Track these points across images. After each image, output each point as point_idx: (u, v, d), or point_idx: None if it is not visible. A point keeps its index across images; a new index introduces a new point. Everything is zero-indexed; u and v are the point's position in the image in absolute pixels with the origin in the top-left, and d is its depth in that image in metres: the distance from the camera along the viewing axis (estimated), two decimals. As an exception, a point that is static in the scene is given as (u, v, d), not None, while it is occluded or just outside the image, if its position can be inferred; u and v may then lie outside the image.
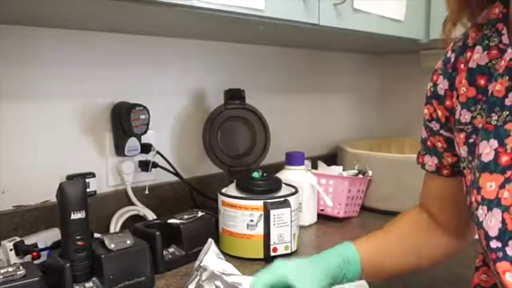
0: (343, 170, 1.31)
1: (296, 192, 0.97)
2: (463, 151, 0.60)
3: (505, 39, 0.56)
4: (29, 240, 0.84)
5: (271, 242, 0.90)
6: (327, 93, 1.70)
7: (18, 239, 0.83)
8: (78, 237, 0.72)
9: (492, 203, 0.52)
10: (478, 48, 0.58)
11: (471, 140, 0.59)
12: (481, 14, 0.59)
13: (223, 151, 1.16)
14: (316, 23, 0.99)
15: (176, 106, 1.22)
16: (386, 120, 1.90)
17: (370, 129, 1.87)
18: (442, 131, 0.66)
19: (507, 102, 0.53)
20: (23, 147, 0.95)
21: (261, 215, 0.90)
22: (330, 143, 1.67)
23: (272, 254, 0.90)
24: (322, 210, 1.20)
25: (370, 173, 1.27)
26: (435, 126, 0.67)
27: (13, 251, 0.81)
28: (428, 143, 0.69)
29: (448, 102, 0.64)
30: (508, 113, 0.53)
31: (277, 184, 0.97)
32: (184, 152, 1.24)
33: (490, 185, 0.52)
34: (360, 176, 1.27)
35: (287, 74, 1.52)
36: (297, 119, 1.57)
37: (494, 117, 0.54)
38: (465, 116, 0.59)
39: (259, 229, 0.90)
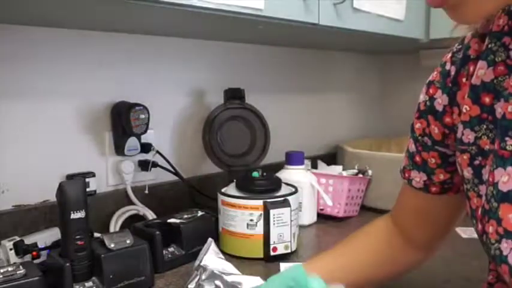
0: (343, 169, 1.31)
1: (296, 191, 0.97)
2: (466, 173, 0.56)
3: None
4: (28, 240, 0.84)
5: (271, 242, 0.90)
6: (327, 93, 1.70)
7: (18, 238, 0.83)
8: (78, 236, 0.72)
9: None
10: (482, 63, 0.54)
11: (476, 162, 0.55)
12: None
13: (223, 151, 1.16)
14: (316, 23, 0.99)
15: (176, 106, 1.22)
16: (386, 120, 1.90)
17: (370, 129, 1.87)
18: (437, 147, 0.62)
19: None
20: (23, 146, 0.95)
21: (261, 214, 0.90)
22: (330, 142, 1.67)
23: (272, 253, 0.90)
24: (322, 209, 1.20)
25: (370, 172, 1.27)
26: (428, 141, 0.63)
27: (13, 251, 0.81)
28: (417, 158, 0.65)
29: (447, 119, 0.59)
30: None
31: (277, 184, 0.97)
32: (184, 151, 1.24)
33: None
34: (360, 175, 1.27)
35: (287, 74, 1.52)
36: (297, 118, 1.57)
37: (510, 141, 0.49)
38: (468, 136, 0.55)
39: (259, 229, 0.90)
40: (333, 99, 1.73)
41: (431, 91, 0.61)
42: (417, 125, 0.64)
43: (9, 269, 0.66)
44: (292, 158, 1.16)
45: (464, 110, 0.55)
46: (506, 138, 0.50)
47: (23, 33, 0.92)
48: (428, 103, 0.61)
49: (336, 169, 1.31)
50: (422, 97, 0.63)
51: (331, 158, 1.52)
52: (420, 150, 0.64)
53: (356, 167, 1.30)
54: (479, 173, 0.54)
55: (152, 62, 1.15)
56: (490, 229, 0.51)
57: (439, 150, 0.62)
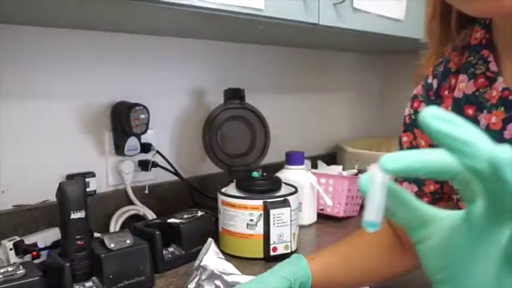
0: (343, 169, 1.31)
1: (296, 191, 0.97)
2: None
3: (493, 66, 0.52)
4: (28, 240, 0.84)
5: (271, 242, 0.90)
6: (327, 93, 1.70)
7: (18, 238, 0.83)
8: (78, 236, 0.72)
9: None
10: (463, 76, 0.55)
11: None
12: (459, 35, 0.56)
13: (223, 151, 1.16)
14: (316, 23, 0.99)
15: (176, 106, 1.22)
16: (386, 120, 1.90)
17: (370, 129, 1.87)
18: None
19: (506, 135, 0.50)
20: (23, 146, 0.95)
21: (261, 214, 0.90)
22: (330, 142, 1.67)
23: (272, 253, 0.90)
24: (322, 209, 1.20)
25: (370, 172, 1.27)
26: None
27: (13, 251, 0.81)
28: None
29: None
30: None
31: (277, 184, 0.97)
32: (184, 151, 1.24)
33: None
34: (360, 175, 1.27)
35: (287, 74, 1.52)
36: (297, 118, 1.57)
37: None
38: None
39: (259, 229, 0.90)
40: (333, 99, 1.73)
41: (415, 105, 0.63)
42: (404, 138, 0.65)
43: (9, 269, 0.66)
44: (292, 158, 1.16)
45: None
46: None
47: (23, 33, 0.92)
48: (413, 116, 0.63)
49: (336, 169, 1.31)
50: (407, 111, 0.64)
51: (331, 158, 1.52)
52: None
53: (356, 167, 1.30)
54: None
55: (152, 62, 1.15)
56: None
57: None
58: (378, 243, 0.72)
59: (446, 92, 0.58)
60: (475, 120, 0.54)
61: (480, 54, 0.54)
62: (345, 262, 0.69)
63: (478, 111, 0.53)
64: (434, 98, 0.59)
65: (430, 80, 0.61)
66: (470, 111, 0.54)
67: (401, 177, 0.67)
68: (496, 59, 0.53)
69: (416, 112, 0.62)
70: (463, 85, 0.55)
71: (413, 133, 0.63)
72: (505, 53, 0.52)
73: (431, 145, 0.61)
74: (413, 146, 0.64)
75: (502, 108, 0.50)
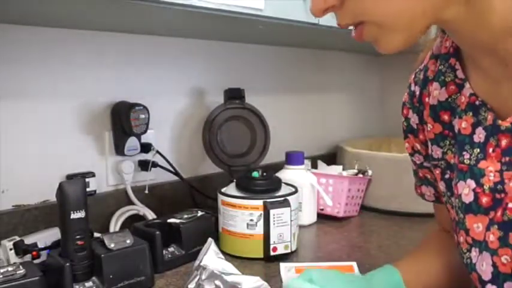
0: (343, 169, 1.31)
1: (296, 191, 0.97)
2: (441, 186, 0.59)
3: (460, 74, 0.54)
4: (28, 240, 0.84)
5: (271, 242, 0.90)
6: (327, 93, 1.70)
7: (18, 238, 0.83)
8: (78, 236, 0.72)
9: (481, 246, 0.50)
10: (436, 84, 0.57)
11: (447, 176, 0.58)
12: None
13: (223, 151, 1.16)
14: (316, 23, 0.99)
15: (176, 106, 1.22)
16: (386, 120, 1.90)
17: (370, 129, 1.87)
18: (425, 163, 0.65)
19: (476, 139, 0.52)
20: (23, 146, 0.95)
21: (261, 214, 0.90)
22: (330, 142, 1.67)
23: (272, 253, 0.90)
24: (322, 209, 1.20)
25: (370, 172, 1.27)
26: (418, 159, 0.65)
27: (13, 251, 0.81)
28: (420, 174, 0.68)
29: (421, 136, 0.63)
30: (478, 150, 0.51)
31: (277, 184, 0.97)
32: (184, 151, 1.24)
33: (477, 226, 0.51)
34: (360, 175, 1.27)
35: (287, 74, 1.52)
36: (297, 118, 1.57)
37: (466, 156, 0.52)
38: (436, 152, 0.59)
39: (259, 229, 0.90)
40: (333, 99, 1.73)
41: (405, 112, 0.65)
42: (406, 145, 0.67)
43: (9, 269, 0.66)
44: (292, 158, 1.16)
45: (428, 128, 0.59)
46: (464, 153, 0.53)
47: (23, 33, 0.92)
48: (405, 123, 0.65)
49: (336, 169, 1.31)
50: (402, 118, 0.66)
51: (331, 158, 1.52)
52: (417, 168, 0.67)
53: (356, 167, 1.30)
54: (450, 186, 0.57)
55: (152, 62, 1.15)
56: (461, 239, 0.54)
57: (428, 166, 0.64)
58: (446, 241, 0.70)
59: (427, 99, 0.60)
60: (450, 125, 0.56)
61: (449, 63, 0.56)
62: (427, 263, 0.68)
63: (452, 116, 0.56)
64: (418, 104, 0.61)
65: (413, 88, 0.63)
66: (445, 117, 0.57)
67: (419, 182, 0.69)
68: (462, 66, 0.55)
69: (407, 119, 0.64)
70: (436, 92, 0.57)
71: (411, 139, 0.65)
72: (469, 61, 0.54)
73: (426, 149, 0.63)
74: (415, 151, 0.66)
75: (471, 113, 0.52)
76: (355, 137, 1.75)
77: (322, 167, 1.36)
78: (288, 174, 1.13)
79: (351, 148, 1.38)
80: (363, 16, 0.46)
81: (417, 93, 0.61)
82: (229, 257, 0.91)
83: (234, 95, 1.16)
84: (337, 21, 0.48)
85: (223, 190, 0.97)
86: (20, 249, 0.81)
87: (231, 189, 0.97)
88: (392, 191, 1.24)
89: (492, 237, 0.49)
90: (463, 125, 0.53)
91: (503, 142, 0.48)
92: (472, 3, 0.45)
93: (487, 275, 0.49)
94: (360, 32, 0.48)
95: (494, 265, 0.49)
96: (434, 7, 0.45)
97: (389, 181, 1.24)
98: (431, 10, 0.45)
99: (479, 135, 0.51)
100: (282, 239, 0.91)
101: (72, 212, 0.72)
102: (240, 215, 0.91)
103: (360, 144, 1.46)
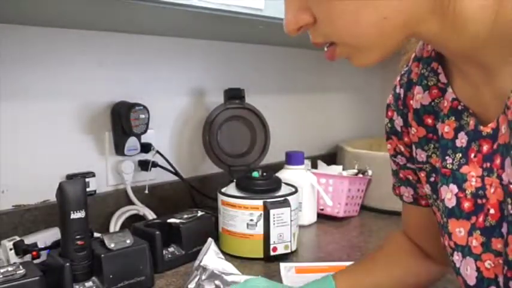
0: (343, 169, 1.31)
1: (296, 191, 0.97)
2: (426, 189, 0.59)
3: (443, 78, 0.54)
4: (28, 240, 0.84)
5: (271, 242, 0.90)
6: (327, 92, 1.70)
7: (18, 238, 0.83)
8: (78, 236, 0.72)
9: (464, 251, 0.50)
10: (419, 88, 0.57)
11: (432, 179, 0.57)
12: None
13: (223, 150, 1.16)
14: (316, 23, 0.99)
15: (176, 106, 1.22)
16: (386, 120, 1.89)
17: (370, 129, 1.87)
18: (409, 164, 0.64)
19: (458, 143, 0.51)
20: (23, 146, 0.95)
21: (261, 214, 0.90)
22: (330, 142, 1.67)
23: (272, 253, 0.90)
24: (322, 209, 1.20)
25: (370, 172, 1.27)
26: (401, 160, 0.65)
27: (13, 251, 0.81)
28: (401, 175, 0.67)
29: (406, 139, 0.62)
30: (460, 155, 0.51)
31: (277, 184, 0.97)
32: (184, 151, 1.24)
33: (459, 230, 0.51)
34: (360, 175, 1.27)
35: (287, 74, 1.52)
36: (297, 118, 1.57)
37: (449, 160, 0.52)
38: (421, 155, 0.58)
39: (259, 229, 0.90)
40: (333, 99, 1.73)
41: (389, 113, 0.64)
42: (388, 146, 0.66)
43: (9, 269, 0.66)
44: (292, 158, 1.16)
45: (412, 132, 0.59)
46: (446, 157, 0.53)
47: (23, 33, 0.92)
48: (389, 125, 0.64)
49: (336, 169, 1.31)
50: (385, 120, 0.66)
51: (331, 158, 1.52)
52: (399, 168, 0.67)
53: (356, 167, 1.30)
54: (435, 190, 0.56)
55: (152, 62, 1.15)
56: (446, 242, 0.54)
57: (412, 168, 0.64)
58: (403, 251, 0.71)
59: (411, 102, 0.59)
60: (434, 129, 0.56)
61: (431, 67, 0.56)
62: (370, 275, 0.68)
63: (436, 120, 0.55)
64: (403, 107, 0.61)
65: (398, 90, 0.63)
66: (429, 121, 0.56)
67: (398, 182, 0.68)
68: (445, 70, 0.54)
69: (391, 120, 0.64)
70: (419, 96, 0.57)
71: (394, 140, 0.65)
72: (451, 65, 0.53)
73: (410, 151, 0.63)
74: (397, 152, 0.65)
75: (453, 118, 0.52)
76: (355, 137, 1.75)
77: (322, 167, 1.36)
78: (288, 174, 1.13)
79: (351, 148, 1.38)
80: (334, 37, 0.47)
81: (402, 95, 0.61)
82: (229, 257, 0.91)
83: (234, 95, 1.16)
84: (311, 39, 0.49)
85: (223, 190, 0.97)
86: (20, 249, 0.81)
87: (231, 189, 0.97)
88: (392, 190, 1.24)
89: (475, 243, 0.49)
90: (445, 129, 0.53)
91: (485, 148, 0.48)
92: (446, 15, 0.44)
93: (471, 280, 0.49)
94: (332, 52, 0.49)
95: (478, 270, 0.49)
96: (407, 25, 0.45)
97: (389, 181, 1.23)
98: (403, 27, 0.45)
99: (462, 140, 0.51)
100: (282, 239, 0.91)
101: (72, 212, 0.72)
102: (240, 215, 0.91)
103: (360, 144, 1.46)
